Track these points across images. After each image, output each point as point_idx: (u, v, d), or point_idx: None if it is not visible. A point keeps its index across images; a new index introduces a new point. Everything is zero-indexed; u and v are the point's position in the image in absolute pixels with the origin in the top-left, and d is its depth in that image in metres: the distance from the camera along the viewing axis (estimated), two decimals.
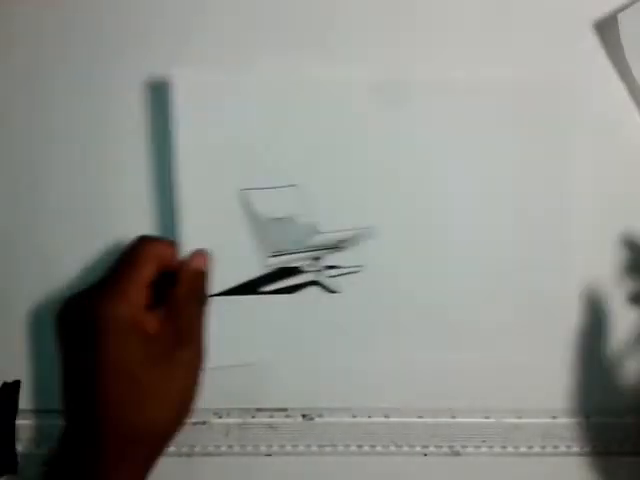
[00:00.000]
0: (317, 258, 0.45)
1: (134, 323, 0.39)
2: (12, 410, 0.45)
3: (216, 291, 0.44)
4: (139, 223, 0.45)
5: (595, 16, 0.46)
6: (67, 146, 0.46)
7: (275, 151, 0.45)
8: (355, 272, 0.45)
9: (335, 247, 0.45)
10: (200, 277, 0.42)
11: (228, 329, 0.45)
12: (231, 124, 0.45)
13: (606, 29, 0.46)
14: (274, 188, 0.45)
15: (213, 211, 0.44)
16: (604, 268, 0.46)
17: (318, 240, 0.45)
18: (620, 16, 0.44)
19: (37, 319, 0.46)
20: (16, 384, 0.46)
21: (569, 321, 0.45)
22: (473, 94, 0.45)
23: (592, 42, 0.46)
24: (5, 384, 0.46)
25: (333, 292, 0.45)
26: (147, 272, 0.40)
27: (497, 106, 0.45)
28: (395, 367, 0.45)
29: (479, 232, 0.45)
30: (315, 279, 0.45)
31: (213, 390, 0.45)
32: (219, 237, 0.44)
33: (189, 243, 0.44)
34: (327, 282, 0.45)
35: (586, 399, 0.45)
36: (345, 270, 0.45)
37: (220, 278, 0.44)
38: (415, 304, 0.45)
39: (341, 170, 0.45)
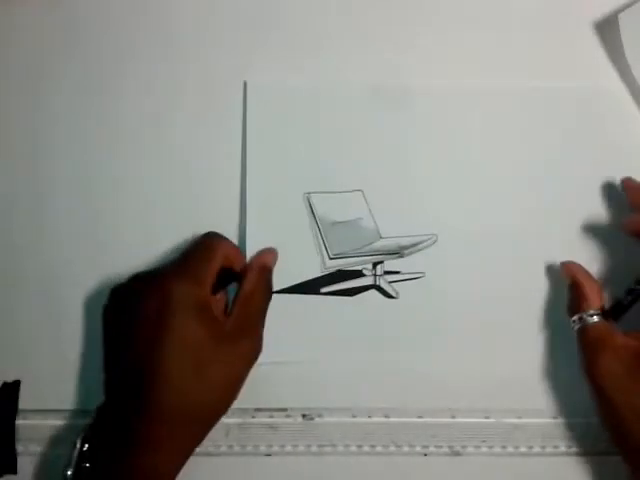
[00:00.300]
0: (378, 263, 0.45)
1: (204, 305, 0.40)
2: (12, 410, 0.45)
3: (278, 288, 0.45)
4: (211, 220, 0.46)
5: (595, 16, 0.46)
6: (138, 144, 0.47)
7: (341, 156, 0.46)
8: (415, 278, 0.45)
9: (396, 253, 0.45)
10: (266, 272, 0.44)
11: (286, 326, 0.45)
12: (299, 128, 0.46)
13: (606, 29, 0.46)
14: (338, 192, 0.46)
15: (278, 212, 0.46)
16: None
17: (380, 245, 0.45)
18: (620, 16, 0.44)
19: (38, 318, 0.46)
20: (16, 384, 0.46)
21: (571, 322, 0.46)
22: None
23: (592, 42, 0.46)
24: (5, 384, 0.46)
25: (392, 297, 0.45)
26: (216, 264, 0.42)
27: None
28: (449, 373, 0.45)
29: (540, 241, 0.46)
30: (375, 283, 0.45)
31: None
32: (283, 237, 0.45)
33: (255, 241, 0.45)
34: (387, 287, 0.45)
35: (586, 399, 0.45)
36: (405, 276, 0.45)
37: (282, 276, 0.45)
38: (473, 313, 0.45)
39: (405, 177, 0.46)
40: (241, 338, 0.42)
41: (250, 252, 0.45)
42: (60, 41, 0.47)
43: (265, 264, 0.44)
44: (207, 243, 0.43)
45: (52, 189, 0.46)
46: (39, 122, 0.47)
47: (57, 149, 0.47)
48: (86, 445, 0.40)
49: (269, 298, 0.44)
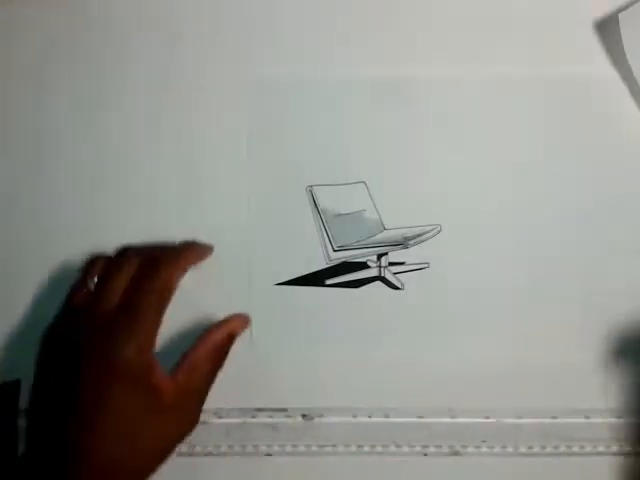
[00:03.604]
0: (383, 254, 0.45)
1: (145, 373, 0.39)
2: (13, 410, 0.45)
3: (283, 280, 0.45)
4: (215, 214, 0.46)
5: (595, 16, 0.46)
6: (139, 143, 0.47)
7: (343, 148, 0.46)
8: (420, 269, 0.45)
9: (400, 244, 0.45)
10: (224, 341, 0.43)
11: (292, 318, 0.46)
12: (300, 121, 0.46)
13: (607, 29, 0.46)
14: (341, 185, 0.46)
15: (282, 206, 0.46)
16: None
17: (384, 236, 0.45)
18: (621, 16, 0.44)
19: (38, 317, 0.46)
20: (16, 384, 0.46)
21: (570, 320, 0.46)
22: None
23: (592, 42, 0.46)
24: (5, 384, 0.46)
25: (397, 288, 0.45)
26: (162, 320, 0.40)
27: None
28: (449, 373, 0.45)
29: (544, 231, 0.46)
30: (380, 274, 0.45)
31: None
32: (287, 230, 0.46)
33: (259, 236, 0.46)
34: (392, 278, 0.45)
35: (586, 399, 0.45)
36: (410, 267, 0.45)
37: (287, 269, 0.45)
38: (479, 302, 0.46)
39: (408, 168, 0.46)
40: (177, 412, 0.40)
41: (256, 247, 0.46)
42: (62, 41, 0.47)
43: (231, 333, 0.43)
44: (161, 285, 0.41)
45: (54, 189, 0.46)
46: (41, 122, 0.47)
47: (59, 149, 0.46)
48: None
49: (218, 367, 0.42)
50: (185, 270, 0.42)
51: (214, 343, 0.42)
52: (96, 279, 0.42)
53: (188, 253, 0.43)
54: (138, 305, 0.40)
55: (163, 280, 0.41)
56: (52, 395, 0.40)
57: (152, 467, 0.40)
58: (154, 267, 0.41)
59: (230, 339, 0.43)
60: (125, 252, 0.43)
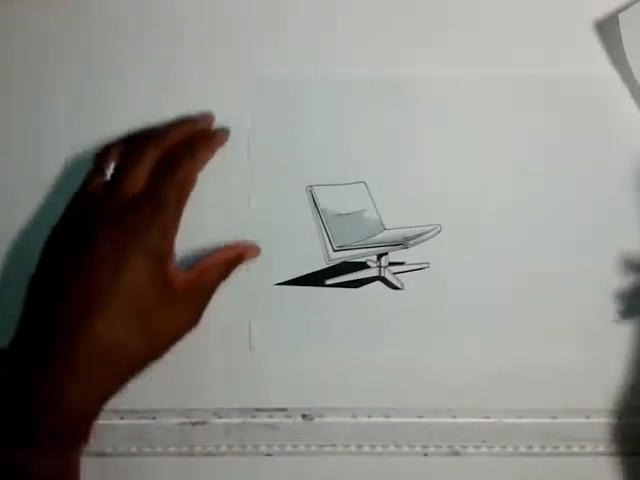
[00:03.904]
0: (383, 254, 0.45)
1: (162, 258, 0.40)
2: None
3: (283, 280, 0.46)
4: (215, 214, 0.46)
5: (595, 16, 0.46)
6: None
7: (343, 149, 0.46)
8: (420, 269, 0.45)
9: (400, 244, 0.45)
10: (235, 260, 0.44)
11: (292, 318, 0.46)
12: (301, 122, 0.46)
13: (607, 29, 0.46)
14: (341, 185, 0.46)
15: (282, 206, 0.46)
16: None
17: (384, 236, 0.45)
18: (621, 16, 0.44)
19: None
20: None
21: (570, 320, 0.46)
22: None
23: (592, 42, 0.46)
24: None
25: (397, 288, 0.45)
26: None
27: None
28: (449, 373, 0.45)
29: (544, 231, 0.46)
30: (380, 274, 0.46)
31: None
32: (287, 230, 0.46)
33: (259, 236, 0.46)
34: (392, 278, 0.45)
35: (586, 399, 0.45)
36: (410, 267, 0.46)
37: (287, 269, 0.46)
38: (479, 302, 0.46)
39: (408, 168, 0.46)
40: (185, 304, 0.42)
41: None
42: (62, 41, 0.47)
43: (241, 254, 0.44)
44: (183, 177, 0.42)
45: (53, 189, 0.46)
46: (41, 122, 0.47)
47: (58, 149, 0.46)
48: None
49: (223, 279, 0.44)
50: (206, 161, 0.43)
51: (226, 257, 0.44)
52: (112, 168, 0.42)
53: (207, 143, 0.44)
54: (161, 195, 0.41)
55: (185, 172, 0.42)
56: (56, 278, 0.40)
57: (149, 357, 0.41)
58: (176, 158, 0.42)
59: (239, 259, 0.44)
60: (142, 140, 0.43)
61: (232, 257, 0.44)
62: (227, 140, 0.45)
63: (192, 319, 0.43)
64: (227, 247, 0.45)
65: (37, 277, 0.41)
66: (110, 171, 0.42)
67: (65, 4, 0.47)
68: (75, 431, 0.39)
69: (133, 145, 0.42)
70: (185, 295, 0.42)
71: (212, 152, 0.44)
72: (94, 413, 0.40)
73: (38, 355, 0.38)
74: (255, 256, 0.45)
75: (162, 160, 0.42)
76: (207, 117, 0.45)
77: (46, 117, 0.47)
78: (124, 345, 0.39)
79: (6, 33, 0.47)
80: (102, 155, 0.43)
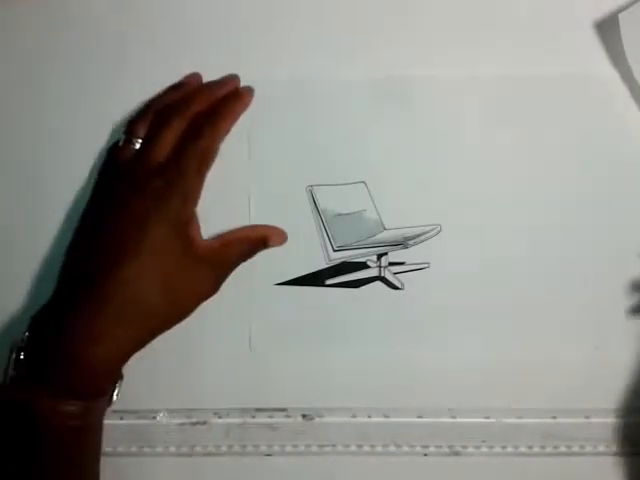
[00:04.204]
0: (383, 254, 0.45)
1: (185, 223, 0.42)
2: None
3: (283, 280, 0.46)
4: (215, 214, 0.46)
5: (595, 16, 0.46)
6: None
7: (343, 148, 0.46)
8: (420, 269, 0.46)
9: (400, 244, 0.45)
10: (261, 243, 0.45)
11: (291, 318, 0.46)
12: (301, 122, 0.46)
13: (606, 29, 0.46)
14: (341, 185, 0.46)
15: (282, 206, 0.46)
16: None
17: (384, 236, 0.46)
18: (621, 16, 0.44)
19: None
20: None
21: (571, 320, 0.46)
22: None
23: (592, 42, 0.46)
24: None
25: (397, 288, 0.45)
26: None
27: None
28: (449, 373, 0.45)
29: (544, 231, 0.46)
30: (380, 274, 0.46)
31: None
32: (287, 230, 0.46)
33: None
34: (392, 278, 0.45)
35: (586, 399, 0.45)
36: (410, 267, 0.46)
37: (287, 269, 0.46)
38: (478, 302, 0.46)
39: (408, 168, 0.46)
40: (205, 270, 0.43)
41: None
42: (60, 40, 0.47)
43: (266, 238, 0.45)
44: (204, 148, 0.43)
45: (52, 189, 0.46)
46: (41, 122, 0.47)
47: (59, 149, 0.46)
48: (22, 354, 0.41)
49: (243, 258, 0.45)
50: (228, 130, 0.44)
51: (250, 236, 0.45)
52: (141, 139, 0.44)
53: (229, 111, 0.45)
54: (184, 164, 0.43)
55: (206, 141, 0.43)
56: (90, 236, 0.43)
57: (169, 316, 0.42)
58: (198, 130, 0.43)
59: (262, 243, 0.45)
60: (168, 109, 0.44)
61: (257, 238, 0.45)
62: (251, 101, 0.46)
63: (210, 287, 0.43)
64: (254, 226, 0.46)
65: (75, 236, 0.44)
66: (139, 141, 0.44)
67: (66, 4, 0.47)
68: (99, 382, 0.41)
69: (160, 116, 0.44)
70: (205, 261, 0.43)
71: (234, 120, 0.45)
72: (117, 369, 0.42)
73: (72, 304, 0.41)
74: (280, 243, 0.45)
75: (186, 131, 0.44)
76: (233, 79, 0.46)
77: (46, 117, 0.47)
78: (147, 299, 0.41)
79: (6, 32, 0.47)
80: (131, 126, 0.45)
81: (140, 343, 0.42)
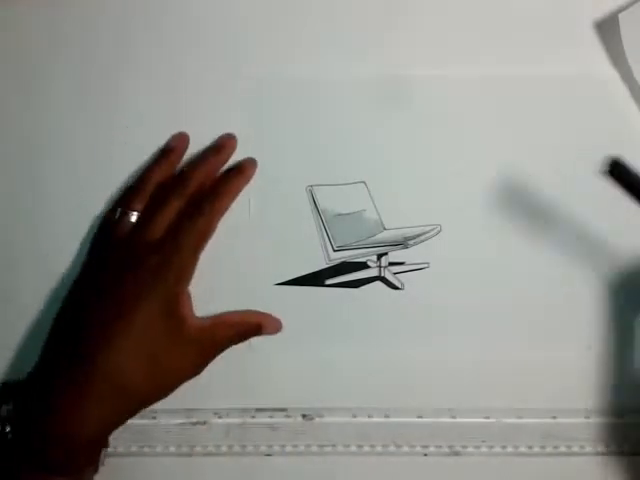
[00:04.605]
0: (383, 254, 0.45)
1: (176, 302, 0.42)
2: None
3: (283, 280, 0.46)
4: None
5: (595, 16, 0.46)
6: (139, 143, 0.46)
7: (343, 148, 0.46)
8: (420, 269, 0.46)
9: (400, 244, 0.45)
10: (254, 330, 0.45)
11: (291, 318, 0.46)
12: (300, 121, 0.46)
13: (606, 29, 0.46)
14: (341, 185, 0.46)
15: (282, 206, 0.46)
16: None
17: (384, 236, 0.46)
18: (621, 16, 0.44)
19: (38, 317, 0.46)
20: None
21: (571, 320, 0.46)
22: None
23: (592, 42, 0.46)
24: (5, 384, 0.46)
25: (397, 288, 0.45)
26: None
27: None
28: (449, 373, 0.46)
29: (544, 231, 0.46)
30: (380, 274, 0.46)
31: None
32: (287, 230, 0.46)
33: (260, 236, 0.46)
34: (392, 278, 0.45)
35: (586, 399, 0.45)
36: (410, 267, 0.46)
37: (287, 269, 0.46)
38: (478, 302, 0.46)
39: (408, 168, 0.46)
40: (194, 349, 0.43)
41: (256, 247, 0.46)
42: (59, 40, 0.47)
43: (260, 325, 0.45)
44: (203, 226, 0.43)
45: (51, 189, 0.46)
46: (41, 122, 0.47)
47: (58, 149, 0.46)
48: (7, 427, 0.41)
49: (235, 341, 0.45)
50: (227, 209, 0.44)
51: (245, 321, 0.45)
52: (136, 213, 0.44)
53: (229, 188, 0.45)
54: (181, 241, 0.42)
55: (205, 220, 0.43)
56: (81, 309, 0.43)
57: (153, 394, 0.42)
58: (197, 207, 0.43)
59: (257, 329, 0.45)
60: (166, 188, 0.44)
61: (250, 323, 0.45)
62: (254, 173, 0.46)
63: (197, 365, 0.43)
64: (249, 312, 0.45)
65: (63, 309, 0.44)
66: (134, 214, 0.44)
67: (65, 4, 0.47)
68: (84, 458, 0.41)
69: (158, 190, 0.44)
70: (194, 341, 0.43)
71: (234, 197, 0.45)
72: (102, 442, 0.42)
73: (58, 382, 0.41)
74: (274, 333, 0.45)
75: (186, 207, 0.44)
76: (229, 140, 0.45)
77: (46, 117, 0.47)
78: (132, 380, 0.41)
79: (6, 32, 0.47)
80: (128, 198, 0.44)
81: (122, 420, 0.42)
